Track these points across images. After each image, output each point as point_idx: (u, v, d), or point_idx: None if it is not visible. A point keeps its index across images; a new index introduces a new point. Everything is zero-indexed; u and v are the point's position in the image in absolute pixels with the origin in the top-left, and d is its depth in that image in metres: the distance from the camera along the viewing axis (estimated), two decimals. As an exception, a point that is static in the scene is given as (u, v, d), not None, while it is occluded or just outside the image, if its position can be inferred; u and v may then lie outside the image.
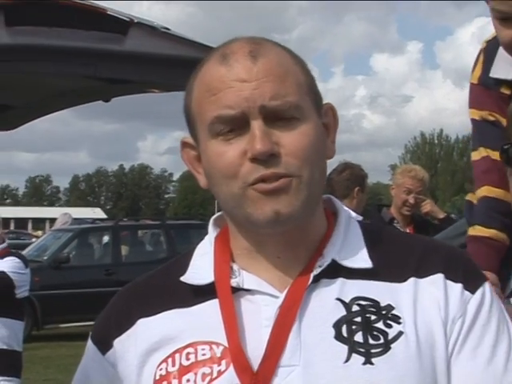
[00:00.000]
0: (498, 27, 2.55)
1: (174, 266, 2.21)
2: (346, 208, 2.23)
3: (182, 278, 2.09)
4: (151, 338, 2.06)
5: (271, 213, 1.96)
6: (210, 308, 2.03)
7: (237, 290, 2.03)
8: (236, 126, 1.97)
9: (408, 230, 7.45)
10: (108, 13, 4.66)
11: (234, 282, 2.04)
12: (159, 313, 2.09)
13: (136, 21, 4.71)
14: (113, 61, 4.68)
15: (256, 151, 1.93)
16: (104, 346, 2.12)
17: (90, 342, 2.17)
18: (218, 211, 2.23)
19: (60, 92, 5.50)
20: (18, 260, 8.18)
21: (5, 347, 7.59)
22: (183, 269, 2.12)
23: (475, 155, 3.36)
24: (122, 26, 4.64)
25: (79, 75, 5.03)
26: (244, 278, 2.05)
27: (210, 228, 2.18)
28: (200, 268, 2.12)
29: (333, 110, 2.13)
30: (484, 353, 2.07)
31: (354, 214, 2.25)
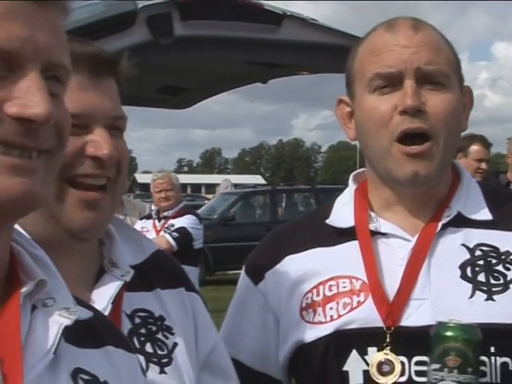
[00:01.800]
0: None
1: (318, 213, 2.25)
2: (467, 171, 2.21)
3: (327, 221, 2.09)
4: (298, 272, 2.06)
5: (411, 173, 1.94)
6: (350, 248, 2.03)
7: (374, 234, 2.02)
8: (391, 83, 1.95)
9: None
10: (264, 7, 4.67)
11: (372, 227, 2.03)
12: (305, 250, 2.09)
13: (288, 13, 4.70)
14: (268, 48, 4.67)
15: (407, 105, 1.91)
16: (257, 277, 2.13)
17: (243, 275, 2.18)
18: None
19: (225, 75, 5.54)
20: (194, 217, 8.38)
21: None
22: (327, 214, 2.12)
23: None
24: (276, 18, 4.63)
25: (241, 60, 5.07)
26: (381, 223, 2.04)
27: (350, 182, 2.16)
28: (342, 214, 2.10)
29: (470, 92, 2.09)
30: None
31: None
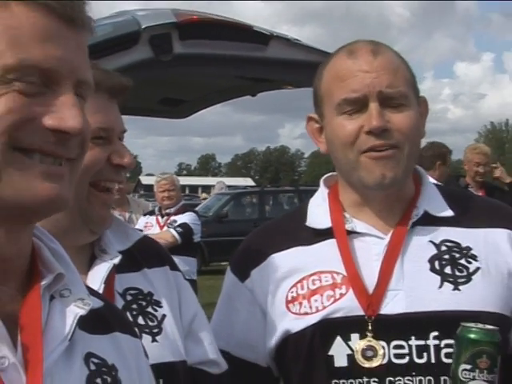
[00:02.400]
0: None
1: (295, 214, 2.22)
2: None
3: (307, 223, 2.09)
4: (282, 269, 2.04)
5: (380, 175, 1.94)
6: (329, 246, 2.02)
7: (350, 233, 2.02)
8: (357, 106, 1.94)
9: (480, 193, 7.36)
10: (254, 29, 4.67)
11: (348, 227, 2.03)
12: (287, 249, 2.07)
13: (275, 34, 4.69)
14: (257, 64, 4.66)
15: (372, 126, 1.91)
16: (243, 275, 2.11)
17: (229, 273, 2.16)
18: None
19: (219, 89, 5.51)
20: (194, 214, 8.43)
21: (186, 277, 7.73)
22: (304, 216, 2.11)
23: None
24: (264, 38, 4.62)
25: (232, 75, 5.04)
26: (355, 223, 2.03)
27: (322, 186, 2.16)
28: (318, 216, 2.09)
29: (425, 102, 2.09)
30: None
31: (434, 181, 2.25)
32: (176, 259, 7.12)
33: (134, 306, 1.82)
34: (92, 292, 1.33)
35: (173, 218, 8.15)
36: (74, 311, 1.23)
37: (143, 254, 1.94)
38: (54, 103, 1.14)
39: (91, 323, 1.27)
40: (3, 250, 1.19)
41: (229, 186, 29.32)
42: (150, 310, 1.85)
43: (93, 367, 1.24)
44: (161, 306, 1.87)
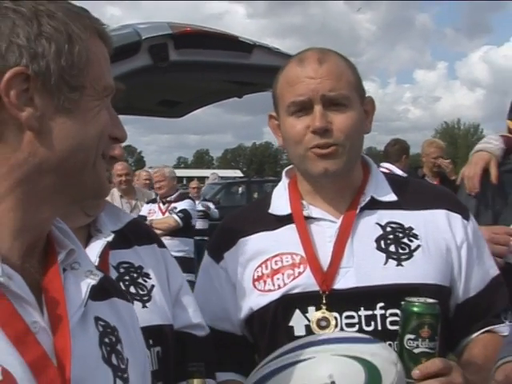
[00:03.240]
0: None
1: (260, 202, 2.22)
2: (389, 165, 2.21)
3: (269, 211, 2.08)
4: (249, 251, 2.03)
5: (322, 169, 1.93)
6: (289, 230, 2.01)
7: (307, 218, 2.01)
8: (304, 108, 1.93)
9: (435, 182, 7.39)
10: (239, 39, 4.66)
11: (305, 213, 2.01)
12: (254, 234, 2.06)
13: (257, 44, 4.69)
14: (242, 70, 4.65)
15: (316, 126, 1.90)
16: (218, 258, 2.09)
17: (207, 256, 2.15)
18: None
19: (209, 91, 5.49)
20: (191, 201, 8.47)
21: (185, 255, 7.77)
22: (267, 204, 2.10)
23: None
24: (248, 47, 4.62)
25: (221, 80, 5.02)
26: (311, 210, 2.02)
27: (284, 177, 2.15)
28: (280, 204, 2.08)
29: (372, 101, 2.06)
30: (480, 256, 2.05)
31: (400, 171, 2.24)
32: (177, 241, 7.11)
33: (127, 278, 1.82)
34: (98, 264, 1.35)
35: (173, 205, 8.21)
36: (87, 281, 1.24)
37: (134, 234, 1.93)
38: (112, 116, 1.26)
39: (94, 291, 1.27)
40: (41, 231, 1.22)
41: (221, 177, 29.42)
42: (140, 280, 1.85)
43: (101, 329, 1.26)
44: (150, 278, 1.87)
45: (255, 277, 1.99)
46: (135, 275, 1.85)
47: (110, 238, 1.80)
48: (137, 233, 1.95)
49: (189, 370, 1.67)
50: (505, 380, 1.50)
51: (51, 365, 1.12)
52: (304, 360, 1.69)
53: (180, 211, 7.98)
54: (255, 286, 1.98)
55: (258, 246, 2.02)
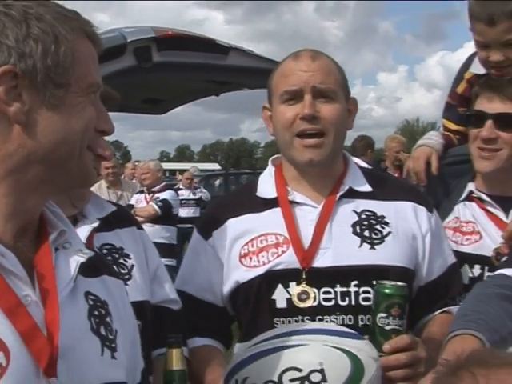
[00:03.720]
0: (478, 48, 2.39)
1: (248, 187, 2.22)
2: (356, 159, 2.25)
3: (257, 194, 2.09)
4: (237, 230, 2.04)
5: (308, 159, 1.96)
6: (274, 213, 2.02)
7: (291, 203, 2.02)
8: (295, 97, 1.96)
9: (396, 175, 7.44)
10: (216, 42, 4.65)
11: (290, 198, 2.03)
12: (241, 215, 2.07)
13: (233, 46, 4.67)
14: (219, 70, 4.64)
15: (304, 113, 1.93)
16: (206, 235, 2.10)
17: (196, 233, 2.16)
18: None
19: (189, 90, 5.47)
20: (173, 192, 8.45)
21: (167, 242, 7.73)
22: (254, 189, 2.11)
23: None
24: (224, 49, 4.62)
25: (200, 79, 5.00)
26: (295, 195, 2.04)
27: (270, 165, 2.17)
28: (266, 188, 2.09)
29: (355, 101, 2.09)
30: (440, 245, 2.10)
31: (366, 164, 2.28)
32: (158, 228, 7.03)
33: (109, 258, 1.84)
34: (85, 245, 1.35)
35: (156, 195, 8.17)
36: (76, 259, 1.25)
37: (115, 218, 1.96)
38: (98, 110, 1.25)
39: (86, 269, 1.28)
40: (32, 215, 1.23)
41: (200, 170, 29.32)
42: (121, 260, 1.88)
43: (91, 302, 1.26)
44: (130, 258, 1.90)
45: (242, 254, 2.00)
46: (117, 256, 1.87)
47: (95, 224, 1.83)
48: (118, 217, 1.98)
49: (168, 341, 1.69)
50: (451, 351, 1.54)
51: (41, 334, 1.13)
52: (297, 345, 1.71)
53: (160, 201, 7.97)
54: (241, 262, 2.00)
55: (245, 226, 2.03)
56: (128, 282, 1.84)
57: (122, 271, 1.85)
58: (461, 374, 1.03)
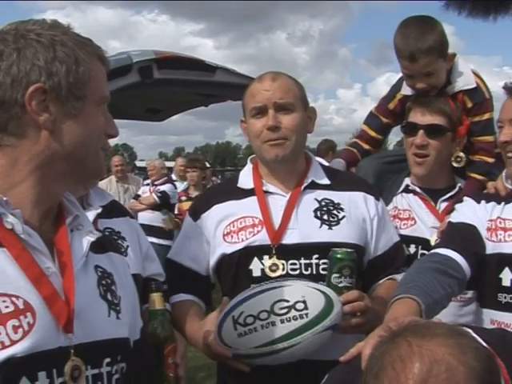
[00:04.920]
0: (405, 77, 2.38)
1: (231, 180, 2.23)
2: (319, 159, 2.27)
3: (238, 185, 2.09)
4: (221, 214, 2.05)
5: (274, 155, 1.97)
6: (252, 201, 2.03)
7: (265, 192, 2.03)
8: (261, 112, 1.96)
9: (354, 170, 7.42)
10: (206, 62, 4.61)
11: (264, 188, 2.04)
12: (225, 201, 2.07)
13: (219, 66, 4.64)
14: (207, 85, 4.61)
15: (269, 125, 1.94)
16: (196, 218, 2.10)
17: (187, 216, 2.16)
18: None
19: (182, 101, 5.41)
20: (171, 185, 8.31)
21: (164, 225, 7.62)
22: (236, 181, 2.11)
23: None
24: (212, 68, 4.58)
25: (191, 93, 4.97)
26: (268, 186, 2.04)
27: (248, 162, 2.17)
28: (246, 181, 2.09)
29: (314, 110, 2.09)
30: (386, 227, 2.12)
31: (327, 163, 2.29)
32: (158, 213, 6.90)
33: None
34: (95, 227, 1.34)
35: (158, 187, 8.12)
36: (88, 239, 1.26)
37: (113, 208, 1.98)
38: (107, 118, 1.26)
39: (95, 246, 1.29)
40: (54, 202, 1.24)
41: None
42: (119, 242, 1.89)
43: (99, 274, 1.28)
44: (126, 240, 1.92)
45: (225, 232, 2.01)
46: (116, 237, 1.88)
47: (99, 210, 1.80)
48: (115, 207, 2.01)
49: (151, 287, 1.72)
50: (394, 313, 1.56)
51: (60, 299, 1.15)
52: (285, 285, 1.78)
53: (160, 192, 7.93)
54: (225, 239, 2.01)
55: (227, 210, 2.04)
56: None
57: (120, 250, 1.84)
58: (399, 341, 1.03)
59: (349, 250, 1.86)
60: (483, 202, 2.03)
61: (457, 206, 2.10)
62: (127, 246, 1.91)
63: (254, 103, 1.98)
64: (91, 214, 1.77)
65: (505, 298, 1.87)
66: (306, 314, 1.72)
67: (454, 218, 2.04)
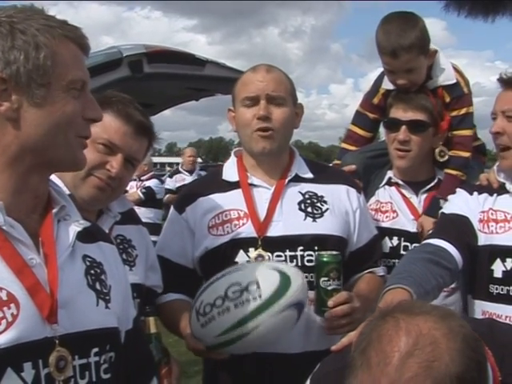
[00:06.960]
0: (386, 73, 2.41)
1: (215, 172, 2.20)
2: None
3: (222, 177, 2.09)
4: (206, 206, 2.05)
5: (261, 147, 1.97)
6: (237, 193, 2.03)
7: (250, 185, 2.04)
8: (253, 102, 1.97)
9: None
10: (196, 56, 4.60)
11: (249, 181, 2.04)
12: (210, 194, 2.07)
13: (210, 60, 4.63)
14: (198, 79, 4.59)
15: (260, 114, 1.95)
16: (181, 210, 2.09)
17: (172, 209, 2.15)
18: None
19: (173, 96, 5.39)
20: (157, 181, 8.26)
21: (151, 221, 7.63)
22: (220, 174, 2.11)
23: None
24: (201, 62, 4.57)
25: (182, 87, 4.94)
26: (253, 179, 2.05)
27: (232, 155, 2.17)
28: (230, 173, 2.09)
29: (302, 106, 2.10)
30: (366, 220, 2.14)
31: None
32: (144, 209, 6.88)
33: (121, 247, 1.85)
34: (85, 218, 1.33)
35: (144, 183, 8.10)
36: (74, 228, 1.25)
37: (128, 216, 1.96)
38: (86, 101, 1.20)
39: (84, 236, 1.29)
40: (38, 190, 1.22)
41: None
42: (129, 250, 1.88)
43: (88, 263, 1.27)
44: (136, 249, 1.90)
45: (210, 225, 2.01)
46: (126, 245, 1.88)
47: (117, 218, 1.85)
48: (129, 215, 1.98)
49: (145, 311, 1.72)
50: (386, 301, 1.58)
51: (43, 289, 1.14)
52: (242, 269, 1.79)
53: (144, 188, 7.92)
54: (210, 232, 2.00)
55: (213, 203, 2.04)
56: (133, 268, 1.84)
57: (129, 259, 1.86)
58: (388, 318, 1.05)
59: (334, 252, 1.86)
60: (475, 193, 2.04)
61: (450, 197, 2.12)
62: (136, 256, 1.89)
63: (247, 93, 1.98)
64: (108, 221, 1.81)
65: (496, 289, 1.89)
66: (260, 296, 1.69)
67: (447, 209, 2.06)
